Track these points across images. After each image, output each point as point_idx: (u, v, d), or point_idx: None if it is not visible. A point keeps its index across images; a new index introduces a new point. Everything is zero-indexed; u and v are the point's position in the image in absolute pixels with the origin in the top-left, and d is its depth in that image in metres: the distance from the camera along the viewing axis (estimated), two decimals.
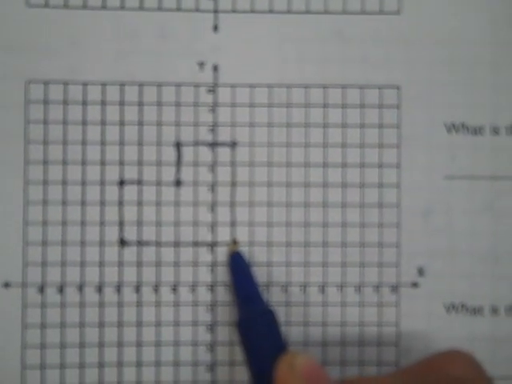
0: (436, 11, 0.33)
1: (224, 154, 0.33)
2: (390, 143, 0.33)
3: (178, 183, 0.33)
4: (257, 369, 0.29)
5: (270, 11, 0.33)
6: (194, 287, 0.33)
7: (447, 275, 0.33)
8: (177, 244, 0.33)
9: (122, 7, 0.33)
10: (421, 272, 0.33)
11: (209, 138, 0.33)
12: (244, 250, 0.33)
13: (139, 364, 0.32)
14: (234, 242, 0.33)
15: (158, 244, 0.33)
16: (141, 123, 0.33)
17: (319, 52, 0.33)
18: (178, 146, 0.33)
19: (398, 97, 0.33)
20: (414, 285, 0.33)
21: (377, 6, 0.33)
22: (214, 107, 0.33)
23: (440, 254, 0.33)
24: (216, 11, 0.33)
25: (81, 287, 0.32)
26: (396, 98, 0.33)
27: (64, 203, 0.32)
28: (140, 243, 0.33)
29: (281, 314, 0.33)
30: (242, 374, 0.33)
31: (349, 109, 0.33)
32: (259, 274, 0.33)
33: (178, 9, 0.33)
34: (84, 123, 0.33)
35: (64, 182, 0.32)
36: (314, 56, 0.33)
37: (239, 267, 0.32)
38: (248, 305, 0.31)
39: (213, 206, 0.33)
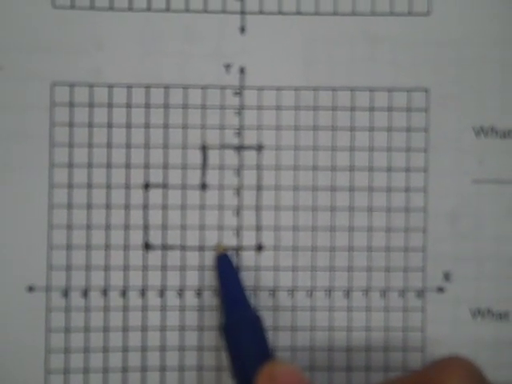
0: (466, 12, 0.33)
1: (250, 157, 0.33)
2: (417, 147, 0.33)
3: (203, 187, 0.32)
4: (241, 375, 0.28)
5: (298, 13, 0.33)
6: (218, 292, 0.32)
7: (473, 280, 0.33)
8: (201, 248, 0.32)
9: (148, 9, 0.32)
10: (447, 277, 0.33)
11: (235, 141, 0.33)
12: (231, 253, 0.32)
13: (163, 369, 0.32)
14: (220, 245, 0.32)
15: (183, 248, 0.32)
16: (166, 126, 0.32)
17: (347, 54, 0.33)
18: (204, 149, 0.32)
19: (427, 100, 0.33)
20: (440, 290, 0.33)
21: (406, 7, 0.33)
22: (240, 110, 0.33)
23: (466, 258, 0.33)
24: (243, 12, 0.32)
25: (105, 291, 0.32)
26: (424, 101, 0.33)
27: (89, 207, 0.32)
28: (165, 247, 0.32)
29: (306, 319, 0.33)
30: None
31: (376, 112, 0.33)
32: (285, 279, 0.33)
33: (205, 10, 0.32)
34: (109, 126, 0.32)
35: (89, 186, 0.32)
36: (342, 58, 0.33)
37: (226, 270, 0.32)
38: (234, 309, 0.30)
39: (238, 210, 0.33)
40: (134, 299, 0.32)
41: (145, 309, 0.32)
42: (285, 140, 0.33)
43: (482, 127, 0.33)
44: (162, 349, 0.32)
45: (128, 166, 0.32)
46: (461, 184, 0.33)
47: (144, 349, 0.32)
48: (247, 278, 0.32)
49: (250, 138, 0.33)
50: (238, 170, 0.33)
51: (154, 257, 0.32)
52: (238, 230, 0.33)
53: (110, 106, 0.32)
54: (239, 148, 0.33)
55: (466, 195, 0.33)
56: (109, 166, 0.32)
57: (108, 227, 0.32)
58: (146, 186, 0.32)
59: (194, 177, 0.32)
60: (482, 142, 0.33)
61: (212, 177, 0.32)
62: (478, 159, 0.33)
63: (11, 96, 0.32)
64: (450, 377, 0.25)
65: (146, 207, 0.32)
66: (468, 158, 0.33)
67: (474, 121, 0.33)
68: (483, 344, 0.33)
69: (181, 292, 0.32)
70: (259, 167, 0.33)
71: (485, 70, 0.33)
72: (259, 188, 0.33)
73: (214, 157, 0.33)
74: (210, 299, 0.32)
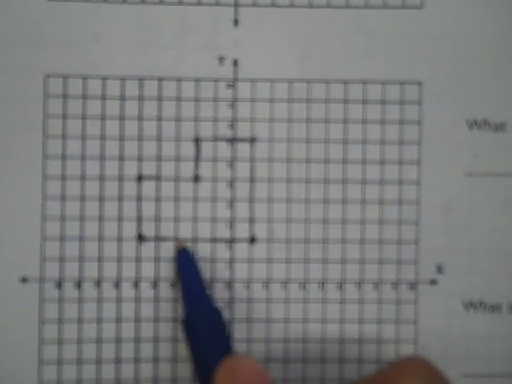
0: (460, 5, 0.33)
1: (243, 149, 0.33)
2: (410, 140, 0.33)
3: (196, 179, 0.33)
4: (201, 368, 0.28)
5: (291, 5, 0.33)
6: (211, 284, 0.32)
7: (466, 273, 0.33)
8: (195, 240, 0.33)
9: (143, 1, 0.32)
10: (440, 269, 0.33)
11: (228, 133, 0.33)
12: (190, 246, 0.32)
13: (155, 360, 0.32)
14: (180, 239, 0.32)
15: (176, 240, 0.32)
16: (160, 118, 0.32)
17: (340, 47, 0.33)
18: (197, 141, 0.33)
19: (420, 93, 0.33)
20: (433, 282, 0.33)
21: None
22: (233, 102, 0.33)
23: (459, 251, 0.33)
24: (236, 5, 0.33)
25: (98, 282, 0.32)
26: (418, 94, 0.33)
27: (82, 198, 0.32)
28: (158, 239, 0.32)
29: (299, 311, 0.33)
30: None
31: (369, 104, 0.33)
32: (278, 271, 0.33)
33: (199, 3, 0.32)
34: (103, 118, 0.32)
35: (82, 177, 0.32)
36: (335, 51, 0.33)
37: (186, 264, 0.31)
38: (194, 303, 0.30)
39: (231, 202, 0.33)
40: (127, 290, 0.32)
41: (138, 300, 0.32)
42: (278, 132, 0.33)
43: (476, 120, 0.33)
44: (156, 340, 0.32)
45: (121, 157, 0.32)
46: (454, 177, 0.33)
47: (137, 340, 0.32)
48: (240, 270, 0.33)
49: (243, 130, 0.33)
50: (231, 163, 0.33)
51: (147, 248, 0.32)
52: (231, 222, 0.33)
53: (103, 98, 0.32)
54: (232, 140, 0.33)
55: (459, 188, 0.33)
56: (102, 157, 0.32)
57: (101, 219, 0.32)
58: (140, 178, 0.32)
59: (187, 169, 0.33)
60: (475, 134, 0.33)
61: (205, 169, 0.33)
62: (471, 152, 0.33)
63: (5, 88, 0.32)
64: (409, 379, 0.25)
65: (139, 199, 0.32)
66: (461, 151, 0.33)
67: (467, 114, 0.33)
68: (476, 336, 0.33)
69: (173, 283, 0.32)
70: (252, 159, 0.33)
71: (478, 63, 0.33)
72: (252, 180, 0.33)
73: (207, 149, 0.33)
74: None
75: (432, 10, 0.33)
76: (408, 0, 0.33)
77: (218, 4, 0.33)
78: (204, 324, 0.29)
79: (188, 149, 0.33)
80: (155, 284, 0.32)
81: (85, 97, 0.32)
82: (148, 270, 0.32)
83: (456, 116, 0.33)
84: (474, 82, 0.33)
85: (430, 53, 0.33)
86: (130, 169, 0.32)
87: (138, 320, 0.32)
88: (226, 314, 0.32)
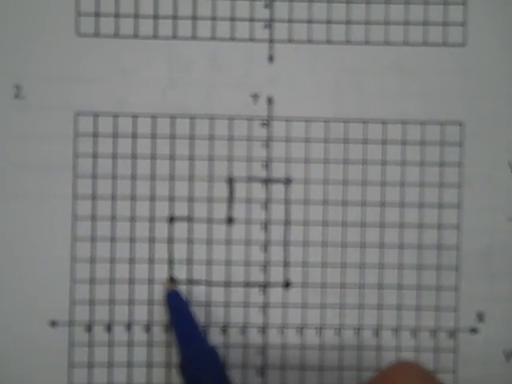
0: (503, 43, 0.32)
1: (278, 190, 0.32)
2: (450, 182, 0.32)
3: (229, 221, 0.32)
4: None
5: (328, 42, 0.32)
6: (244, 328, 0.32)
7: (508, 321, 0.32)
8: (227, 284, 0.32)
9: (174, 37, 0.31)
10: (480, 317, 0.32)
11: (262, 173, 0.32)
12: (181, 288, 0.31)
13: None
14: (171, 280, 0.31)
15: (209, 283, 0.32)
16: (192, 158, 0.32)
17: (378, 85, 0.32)
18: (231, 181, 0.32)
19: (461, 134, 0.32)
20: (473, 330, 0.32)
21: (440, 37, 0.32)
22: (267, 142, 0.32)
23: (501, 298, 0.32)
24: (271, 41, 0.32)
25: (129, 326, 0.31)
26: (458, 134, 0.32)
27: (112, 240, 0.31)
28: (190, 282, 0.32)
29: (334, 357, 0.32)
30: None
31: (408, 145, 0.32)
32: (312, 316, 0.32)
33: (232, 38, 0.32)
34: (133, 157, 0.31)
35: (113, 218, 0.31)
36: (373, 89, 0.32)
37: (177, 306, 0.30)
38: (189, 345, 0.29)
39: (265, 245, 0.32)
40: (158, 334, 0.31)
41: (169, 344, 0.31)
42: (314, 173, 0.32)
43: None
44: None
45: (152, 198, 0.31)
46: (495, 221, 0.32)
47: None
48: (274, 315, 0.32)
49: (278, 170, 0.32)
50: (266, 204, 0.32)
51: None
52: (265, 266, 0.32)
53: (134, 136, 0.31)
54: (267, 181, 0.32)
55: (500, 233, 0.32)
56: (133, 198, 0.31)
57: (132, 261, 0.31)
58: (171, 219, 0.32)
59: (220, 210, 0.32)
60: None
61: (238, 210, 0.32)
62: None
63: (35, 126, 0.31)
64: (404, 381, 0.25)
65: (170, 241, 0.32)
66: (503, 195, 0.32)
67: (509, 156, 0.32)
68: None
69: (205, 328, 0.31)
70: (287, 201, 0.32)
71: None
72: (287, 223, 0.32)
73: (240, 190, 0.32)
74: (236, 336, 0.32)
75: (474, 48, 0.32)
76: (449, 38, 0.32)
77: (252, 40, 0.32)
78: (201, 366, 0.28)
79: (221, 189, 0.32)
80: None
81: (115, 135, 0.31)
82: None
83: (498, 158, 0.32)
84: None
85: (471, 92, 0.32)
86: (162, 210, 0.31)
87: (168, 365, 0.31)
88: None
